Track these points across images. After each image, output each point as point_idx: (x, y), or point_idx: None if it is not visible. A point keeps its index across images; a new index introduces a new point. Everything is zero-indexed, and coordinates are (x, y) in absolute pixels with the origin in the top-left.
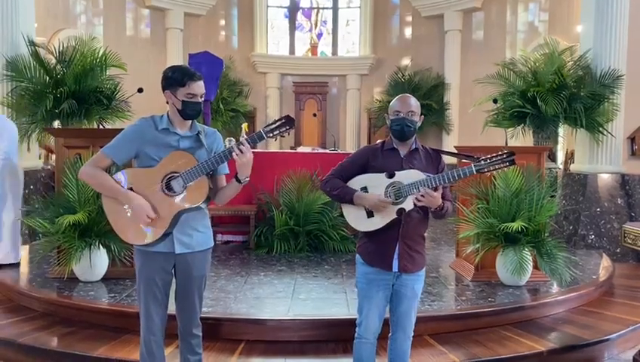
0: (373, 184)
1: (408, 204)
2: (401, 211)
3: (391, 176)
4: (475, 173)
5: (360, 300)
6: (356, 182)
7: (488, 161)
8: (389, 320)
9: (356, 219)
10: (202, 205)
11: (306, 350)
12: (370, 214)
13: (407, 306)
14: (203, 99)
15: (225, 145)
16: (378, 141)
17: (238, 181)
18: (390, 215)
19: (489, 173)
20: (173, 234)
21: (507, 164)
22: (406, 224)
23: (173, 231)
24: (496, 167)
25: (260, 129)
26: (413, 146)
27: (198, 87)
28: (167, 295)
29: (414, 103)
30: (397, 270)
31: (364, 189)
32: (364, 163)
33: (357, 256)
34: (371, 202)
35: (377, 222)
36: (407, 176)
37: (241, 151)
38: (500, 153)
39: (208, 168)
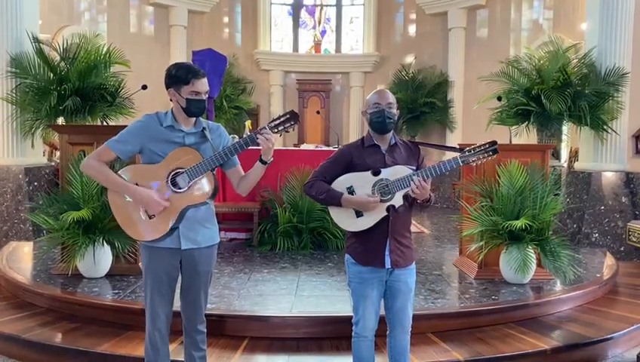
0: (359, 183)
1: (397, 200)
2: (389, 208)
3: (376, 173)
4: (461, 164)
5: (355, 300)
6: (341, 182)
7: (472, 151)
8: (385, 318)
9: (345, 220)
10: (208, 201)
11: (309, 346)
12: (359, 214)
13: (403, 301)
14: (207, 96)
15: (229, 141)
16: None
17: (263, 163)
18: (380, 212)
19: (475, 164)
20: (180, 230)
21: (491, 153)
22: (394, 220)
23: (179, 226)
24: (480, 156)
25: (265, 124)
26: (393, 141)
27: (202, 85)
28: (173, 290)
29: (392, 96)
30: (389, 266)
31: (350, 189)
32: (347, 162)
33: (347, 256)
34: (360, 203)
35: (367, 221)
36: (394, 172)
37: (267, 136)
38: (483, 143)
39: (214, 164)
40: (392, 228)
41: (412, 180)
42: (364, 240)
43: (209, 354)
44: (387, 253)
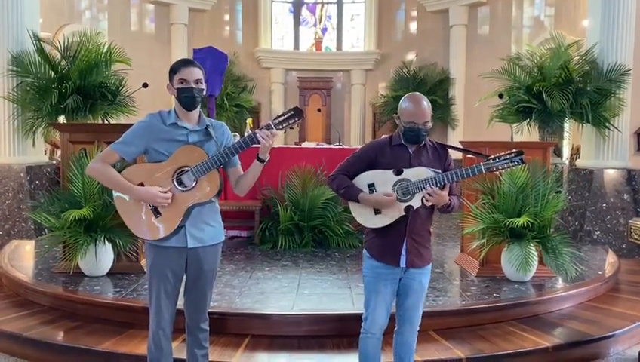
0: (380, 181)
1: (416, 202)
2: (408, 208)
3: (399, 173)
4: (483, 172)
5: (367, 294)
6: (363, 179)
7: (497, 159)
8: (395, 314)
9: (364, 216)
10: (213, 199)
11: (310, 345)
12: (377, 211)
13: (415, 299)
14: (200, 86)
15: (232, 139)
16: (385, 136)
17: (261, 161)
18: (398, 212)
19: (498, 172)
20: (186, 228)
21: (516, 163)
22: (413, 220)
23: (185, 224)
24: (505, 166)
25: (269, 121)
26: (422, 143)
27: (189, 73)
28: (178, 290)
29: (428, 110)
30: (404, 265)
31: (372, 186)
32: (371, 159)
33: (364, 250)
34: (377, 202)
35: (385, 219)
36: (416, 173)
37: (267, 135)
38: (508, 152)
39: (219, 161)
40: (410, 227)
41: (424, 188)
42: (382, 236)
43: (210, 352)
44: (403, 252)
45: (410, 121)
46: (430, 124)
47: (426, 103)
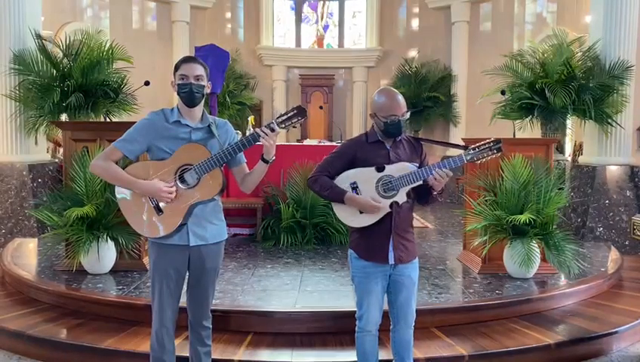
0: (362, 179)
1: (401, 197)
2: (393, 204)
3: (380, 169)
4: (465, 162)
5: (359, 295)
6: (345, 178)
7: (477, 149)
8: (389, 312)
9: (348, 216)
10: (216, 197)
11: (313, 342)
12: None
13: (407, 295)
14: (201, 82)
15: (235, 137)
16: (360, 133)
17: (265, 161)
18: (383, 209)
19: (479, 162)
20: (188, 227)
21: (495, 151)
22: (397, 216)
23: (187, 223)
24: (485, 155)
25: (273, 120)
26: (398, 137)
27: (189, 68)
28: (181, 287)
29: (403, 100)
30: (393, 262)
31: (354, 184)
32: (351, 157)
33: (350, 251)
34: (363, 206)
35: (370, 218)
36: (398, 169)
37: (267, 134)
38: (487, 141)
39: (222, 160)
40: (395, 224)
41: (433, 171)
42: (367, 235)
43: (213, 349)
44: (391, 248)
45: (390, 115)
46: (408, 115)
47: (400, 95)
